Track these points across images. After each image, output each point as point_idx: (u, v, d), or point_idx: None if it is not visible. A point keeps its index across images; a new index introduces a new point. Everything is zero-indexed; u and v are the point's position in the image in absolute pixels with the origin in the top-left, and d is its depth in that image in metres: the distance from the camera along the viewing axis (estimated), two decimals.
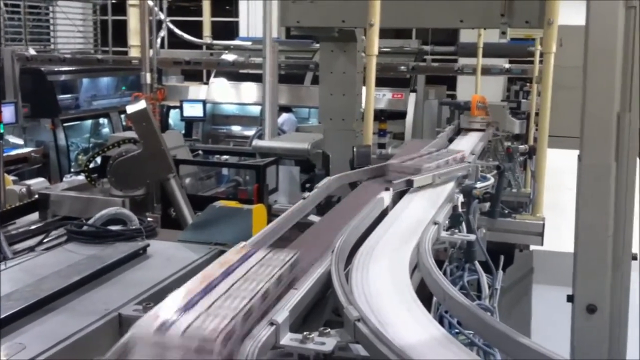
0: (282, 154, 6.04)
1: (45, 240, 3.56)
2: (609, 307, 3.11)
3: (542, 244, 4.89)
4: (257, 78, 10.34)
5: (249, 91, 12.25)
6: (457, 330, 2.52)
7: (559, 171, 6.08)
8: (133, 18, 13.62)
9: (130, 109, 4.54)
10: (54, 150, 10.91)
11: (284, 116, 10.85)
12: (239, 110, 12.79)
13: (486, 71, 10.38)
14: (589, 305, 3.11)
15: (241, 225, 3.04)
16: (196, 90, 13.03)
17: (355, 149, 4.69)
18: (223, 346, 1.47)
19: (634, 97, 3.05)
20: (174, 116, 12.68)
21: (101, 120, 12.21)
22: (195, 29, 14.81)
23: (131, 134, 4.84)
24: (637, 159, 3.12)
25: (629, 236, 3.12)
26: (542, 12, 5.23)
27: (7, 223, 4.39)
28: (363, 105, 5.84)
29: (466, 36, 13.08)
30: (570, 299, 3.22)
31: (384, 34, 5.99)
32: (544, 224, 4.83)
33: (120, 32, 15.84)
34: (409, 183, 3.32)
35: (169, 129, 11.88)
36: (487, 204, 4.17)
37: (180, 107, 11.95)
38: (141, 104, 4.53)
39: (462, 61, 12.16)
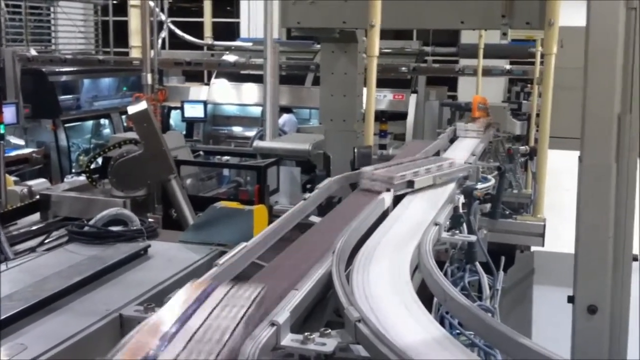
0: (283, 154, 6.04)
1: (46, 241, 3.56)
2: (609, 307, 3.11)
3: (543, 245, 4.89)
4: (258, 79, 10.36)
5: (250, 92, 12.25)
6: (457, 331, 2.52)
7: (560, 172, 6.08)
8: (134, 19, 13.62)
9: (132, 109, 4.54)
10: (55, 150, 10.91)
11: (285, 117, 10.86)
12: (239, 111, 12.80)
13: (487, 72, 10.39)
14: (589, 306, 3.11)
15: (242, 226, 3.04)
16: (197, 91, 13.04)
17: (356, 150, 4.70)
18: None
19: (634, 98, 3.05)
20: (175, 117, 12.68)
21: (102, 121, 12.21)
22: (196, 29, 14.82)
23: (132, 135, 4.84)
24: (638, 160, 3.13)
25: (630, 237, 3.12)
26: (543, 13, 5.23)
27: (8, 224, 4.39)
28: (364, 106, 5.84)
29: (467, 37, 13.08)
30: (571, 299, 3.22)
31: (385, 35, 5.99)
32: (544, 225, 4.83)
33: (121, 33, 15.84)
34: (410, 184, 3.33)
35: (170, 129, 11.88)
36: (488, 205, 4.18)
37: (181, 108, 11.95)
38: (142, 105, 4.53)
39: (463, 62, 12.16)
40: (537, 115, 6.38)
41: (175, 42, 14.97)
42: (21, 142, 10.77)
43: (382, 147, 9.19)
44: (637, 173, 3.13)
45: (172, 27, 14.28)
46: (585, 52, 3.14)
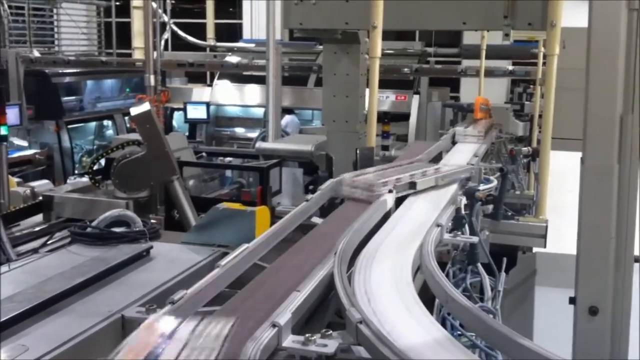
0: (286, 155, 6.04)
1: (49, 242, 3.58)
2: (611, 309, 3.11)
3: (545, 246, 4.88)
4: (261, 80, 10.36)
5: (253, 93, 12.26)
6: (459, 333, 2.52)
7: (562, 173, 6.08)
8: (137, 20, 13.66)
9: (134, 111, 4.55)
10: (58, 152, 10.92)
11: (287, 118, 10.87)
12: (242, 112, 12.81)
13: (489, 73, 10.38)
14: (591, 307, 3.11)
15: (244, 227, 3.04)
16: (200, 92, 13.06)
17: (358, 151, 4.70)
18: None
19: (636, 99, 3.05)
20: (177, 118, 12.70)
21: (105, 122, 12.23)
22: (198, 31, 14.84)
23: (135, 136, 4.85)
24: None
25: (631, 238, 3.12)
26: (545, 14, 5.23)
27: (11, 225, 4.40)
28: (366, 107, 5.84)
29: (469, 38, 13.07)
30: (572, 301, 3.22)
31: (387, 36, 5.99)
32: (547, 226, 4.82)
33: (124, 35, 15.88)
34: (412, 186, 3.33)
35: (173, 131, 11.91)
36: (490, 206, 4.18)
37: (184, 109, 11.97)
38: (145, 106, 4.54)
39: (466, 63, 12.14)
40: (540, 116, 6.37)
41: (178, 44, 14.99)
42: (24, 143, 10.79)
43: (385, 148, 9.20)
44: (639, 174, 3.13)
45: (175, 28, 14.29)
46: (587, 53, 3.15)
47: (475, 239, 2.89)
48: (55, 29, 16.34)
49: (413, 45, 12.96)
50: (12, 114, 9.23)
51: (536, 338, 5.34)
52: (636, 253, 3.18)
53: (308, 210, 3.02)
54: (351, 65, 7.38)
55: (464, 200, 3.35)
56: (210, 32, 14.64)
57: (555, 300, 4.52)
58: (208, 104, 12.04)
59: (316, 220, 3.09)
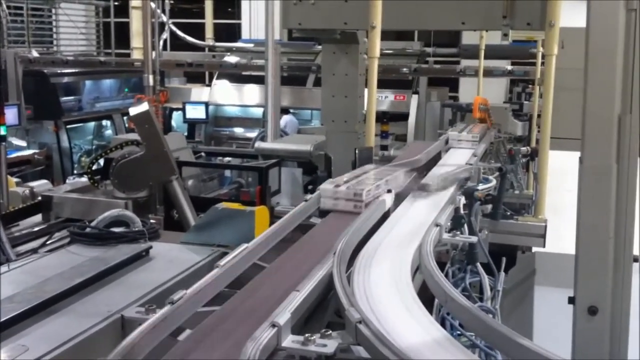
0: (285, 155, 6.04)
1: (48, 242, 3.58)
2: (610, 308, 3.11)
3: (544, 246, 4.88)
4: (260, 80, 10.37)
5: (252, 93, 12.26)
6: (458, 332, 2.52)
7: (562, 173, 6.08)
8: (135, 20, 13.65)
9: (133, 111, 4.55)
10: (57, 152, 10.92)
11: (286, 118, 10.86)
12: (241, 112, 12.81)
13: (488, 73, 10.38)
14: (590, 307, 3.12)
15: (243, 227, 3.04)
16: (199, 92, 13.05)
17: (357, 151, 4.70)
18: None
19: (634, 98, 3.06)
20: (176, 118, 12.69)
21: (104, 122, 12.23)
22: (197, 31, 14.82)
23: (134, 136, 4.85)
24: (638, 160, 3.13)
25: (630, 238, 3.12)
26: (544, 14, 5.23)
27: (10, 225, 4.40)
28: (365, 107, 5.84)
29: (468, 38, 13.07)
30: (571, 300, 3.23)
31: (386, 35, 5.98)
32: (546, 226, 4.82)
33: (122, 35, 15.87)
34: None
35: (172, 131, 11.90)
36: (489, 206, 4.18)
37: (183, 109, 11.97)
38: (144, 106, 4.54)
39: (464, 63, 12.15)
40: (539, 116, 6.37)
41: (177, 44, 14.98)
42: (23, 143, 10.79)
43: (384, 148, 9.20)
44: (637, 174, 3.14)
45: (174, 28, 14.28)
46: (586, 53, 3.15)
47: (474, 239, 2.90)
48: (54, 29, 16.33)
49: (412, 45, 12.95)
50: (11, 114, 9.23)
51: (535, 338, 5.34)
52: (635, 252, 3.18)
53: (307, 210, 3.02)
54: (350, 65, 7.38)
55: (463, 200, 3.35)
56: (209, 32, 14.62)
57: (554, 299, 4.52)
58: (207, 104, 12.04)
59: (315, 220, 3.10)
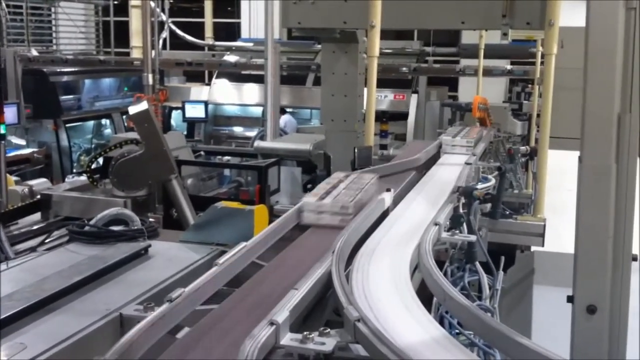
0: (284, 154, 6.04)
1: (47, 241, 3.57)
2: (609, 307, 3.11)
3: (543, 245, 4.89)
4: (259, 79, 10.37)
5: (251, 92, 12.26)
6: (457, 331, 2.52)
7: (561, 172, 6.08)
8: (135, 19, 13.63)
9: (132, 110, 4.54)
10: (56, 151, 10.91)
11: (284, 118, 10.86)
12: (240, 111, 12.80)
13: (488, 72, 10.39)
14: (589, 306, 3.12)
15: (243, 225, 3.04)
16: (198, 91, 13.05)
17: (356, 150, 4.70)
18: None
19: (634, 98, 3.06)
20: (176, 117, 12.69)
21: (103, 121, 12.21)
22: (197, 30, 14.82)
23: (133, 135, 4.84)
24: (638, 159, 3.13)
25: (629, 237, 3.12)
26: (543, 14, 5.24)
27: (9, 223, 4.39)
28: (364, 106, 5.84)
29: (468, 37, 13.07)
30: (570, 299, 3.23)
31: (386, 35, 5.99)
32: (545, 225, 4.83)
33: (122, 33, 15.86)
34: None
35: (171, 129, 11.89)
36: (488, 205, 4.18)
37: (182, 108, 11.96)
38: (143, 105, 4.54)
39: (464, 62, 12.16)
40: (538, 115, 6.38)
41: (176, 43, 14.97)
42: (22, 142, 10.78)
43: (383, 147, 9.19)
44: (636, 173, 3.14)
45: (173, 27, 14.28)
46: (585, 52, 3.15)
47: (473, 238, 2.89)
48: (53, 28, 16.32)
49: (411, 45, 12.96)
50: (10, 113, 9.22)
51: (534, 337, 5.34)
52: (634, 252, 3.18)
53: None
54: (349, 65, 7.39)
55: (462, 199, 3.35)
56: (208, 31, 14.62)
57: (553, 299, 4.52)
58: (206, 103, 12.03)
59: None
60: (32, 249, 3.50)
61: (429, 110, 11.68)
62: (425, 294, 2.12)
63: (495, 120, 6.86)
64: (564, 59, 5.76)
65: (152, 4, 9.34)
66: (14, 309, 2.10)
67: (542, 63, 6.94)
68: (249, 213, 3.12)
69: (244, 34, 15.83)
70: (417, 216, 2.92)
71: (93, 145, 11.94)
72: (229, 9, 16.77)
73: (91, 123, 12.15)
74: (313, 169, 6.10)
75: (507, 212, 4.89)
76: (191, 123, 12.14)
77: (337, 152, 6.40)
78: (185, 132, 11.42)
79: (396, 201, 3.20)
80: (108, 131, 12.07)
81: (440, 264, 2.56)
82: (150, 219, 3.62)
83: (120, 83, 12.80)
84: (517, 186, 6.09)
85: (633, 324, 3.19)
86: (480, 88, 9.32)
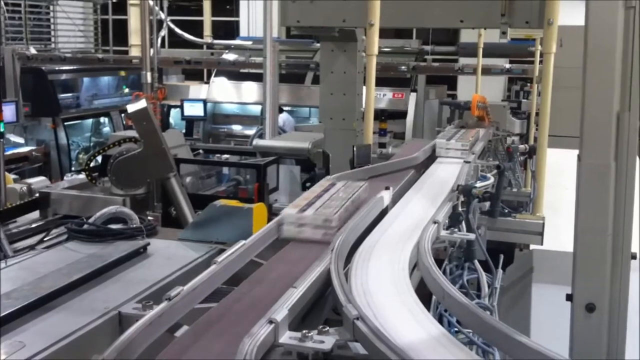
0: (283, 153, 6.03)
1: (45, 239, 3.57)
2: (608, 306, 3.11)
3: (542, 244, 4.89)
4: (258, 77, 10.34)
5: (250, 90, 12.25)
6: (456, 329, 2.52)
7: (559, 171, 6.09)
8: (133, 17, 13.61)
9: (131, 108, 4.54)
10: (55, 149, 10.91)
11: (282, 116, 10.85)
12: (239, 109, 12.80)
13: (487, 71, 10.38)
14: (588, 304, 3.12)
15: (241, 224, 3.04)
16: (197, 90, 13.03)
17: (355, 149, 4.69)
18: None
19: (633, 96, 3.06)
20: (174, 115, 12.68)
21: (102, 119, 12.21)
22: (195, 28, 14.80)
23: (132, 133, 4.84)
24: (637, 158, 3.13)
25: (628, 235, 3.12)
26: (542, 13, 5.23)
27: (7, 221, 4.39)
28: (363, 104, 5.84)
29: (467, 36, 13.09)
30: (569, 297, 3.23)
31: (384, 33, 5.99)
32: (543, 224, 4.83)
33: (120, 32, 15.85)
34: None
35: (170, 128, 11.88)
36: (487, 203, 4.18)
37: (181, 107, 11.96)
38: (142, 103, 4.53)
39: (463, 61, 12.16)
40: (537, 114, 6.38)
41: (175, 41, 14.97)
42: (21, 140, 10.77)
43: (382, 145, 9.19)
44: (635, 171, 3.14)
45: (172, 25, 14.26)
46: (584, 51, 3.15)
47: (472, 236, 2.89)
48: (52, 26, 16.31)
49: (410, 43, 12.96)
50: (9, 111, 9.23)
51: (533, 335, 5.34)
52: (633, 250, 3.18)
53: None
54: (348, 63, 7.39)
55: (461, 197, 3.35)
56: (207, 30, 14.60)
57: (552, 297, 4.52)
58: (205, 102, 12.03)
59: None
60: (31, 247, 3.51)
61: (427, 109, 11.68)
62: (424, 292, 2.12)
63: (494, 119, 6.85)
64: (563, 58, 5.76)
65: (151, 2, 9.34)
66: (13, 307, 2.10)
67: (541, 62, 6.93)
68: (248, 211, 3.12)
69: (243, 32, 15.84)
70: (416, 214, 2.91)
71: (92, 144, 11.94)
72: (228, 7, 16.78)
73: (90, 121, 12.14)
74: (312, 168, 6.10)
75: (506, 211, 4.89)
76: (190, 121, 12.14)
77: (336, 150, 6.39)
78: (184, 131, 11.42)
79: (395, 199, 3.20)
80: (107, 129, 12.06)
81: (439, 262, 2.56)
82: (149, 217, 3.63)
83: (118, 81, 12.79)
84: (516, 185, 6.10)
85: (632, 322, 3.19)
86: (479, 87, 9.32)
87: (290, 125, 10.78)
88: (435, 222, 2.70)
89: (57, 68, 11.70)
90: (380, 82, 6.83)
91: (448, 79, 13.38)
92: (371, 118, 5.17)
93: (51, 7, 15.87)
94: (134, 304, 2.16)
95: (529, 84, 11.12)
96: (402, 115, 11.31)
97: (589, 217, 3.18)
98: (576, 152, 3.23)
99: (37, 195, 4.72)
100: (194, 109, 11.91)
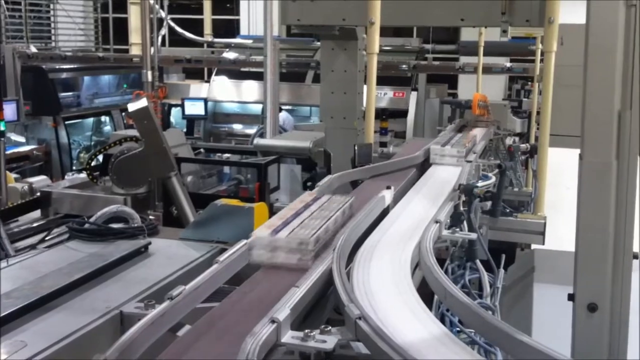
0: (284, 152, 6.03)
1: (47, 238, 3.57)
2: (609, 305, 3.11)
3: (543, 243, 4.89)
4: (259, 76, 10.36)
5: (250, 89, 12.25)
6: (458, 329, 2.52)
7: (561, 170, 6.08)
8: (134, 16, 13.63)
9: (132, 107, 4.54)
10: (56, 148, 10.91)
11: (282, 115, 10.85)
12: (240, 108, 12.79)
13: (487, 70, 10.38)
14: (589, 303, 3.11)
15: (242, 223, 3.04)
16: (197, 89, 13.03)
17: (356, 148, 4.69)
18: None
19: (634, 95, 3.05)
20: (175, 114, 12.68)
21: (103, 118, 12.21)
22: (196, 27, 14.81)
23: (133, 132, 4.84)
24: (638, 157, 3.12)
25: (630, 235, 3.12)
26: (543, 11, 5.22)
27: (9, 221, 4.39)
28: (364, 103, 5.84)
29: (467, 35, 13.07)
30: (571, 297, 3.22)
31: (385, 32, 5.99)
32: (545, 223, 4.83)
33: (121, 30, 15.86)
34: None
35: (171, 127, 11.88)
36: (489, 203, 4.18)
37: (182, 105, 11.96)
38: (142, 102, 4.53)
39: (464, 60, 12.15)
40: (538, 113, 6.38)
41: (175, 40, 14.96)
42: (22, 139, 10.77)
43: (383, 144, 9.19)
44: (637, 170, 3.13)
45: (172, 24, 14.26)
46: (585, 49, 3.14)
47: (473, 236, 2.89)
48: (52, 25, 16.31)
49: (411, 42, 12.95)
50: (10, 110, 9.22)
51: (535, 335, 5.34)
52: (635, 249, 3.18)
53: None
54: (349, 62, 7.38)
55: (462, 197, 3.35)
56: (207, 28, 14.60)
57: (553, 296, 4.53)
58: (206, 100, 12.03)
59: None
60: (32, 247, 3.51)
61: (428, 108, 11.67)
62: (426, 292, 2.11)
63: (494, 118, 6.84)
64: (563, 56, 5.75)
65: (151, 0, 9.33)
66: (14, 306, 2.10)
67: (541, 60, 6.93)
68: (249, 211, 3.12)
69: (243, 31, 15.83)
70: (417, 214, 2.91)
71: (92, 143, 11.94)
72: (228, 5, 16.78)
73: (90, 120, 12.14)
74: (313, 167, 6.10)
75: (508, 210, 4.89)
76: (191, 120, 12.14)
77: (336, 149, 6.39)
78: (184, 130, 11.43)
79: (396, 199, 3.20)
80: (107, 128, 12.06)
81: (441, 261, 2.56)
82: (150, 217, 3.63)
83: (119, 80, 12.79)
84: (517, 184, 6.09)
85: (634, 322, 3.18)
86: (479, 85, 9.31)
87: (289, 124, 10.78)
88: (436, 222, 2.70)
89: (57, 67, 11.70)
90: (381, 80, 6.82)
91: (449, 77, 13.38)
92: (372, 117, 5.16)
93: (51, 6, 15.88)
94: (135, 303, 2.16)
95: (529, 83, 11.11)
96: (403, 114, 11.31)
97: (590, 216, 3.18)
98: (577, 151, 3.22)
99: (38, 194, 4.73)
100: (194, 108, 11.91)
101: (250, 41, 13.09)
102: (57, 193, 4.60)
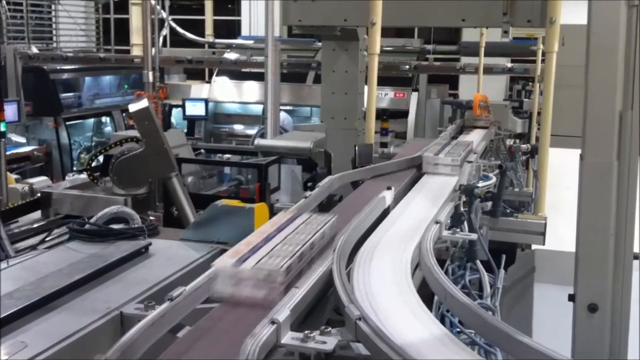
0: (284, 152, 6.03)
1: (47, 239, 3.57)
2: (610, 306, 3.10)
3: (544, 243, 4.88)
4: (259, 77, 10.36)
5: (251, 90, 12.25)
6: (458, 330, 2.52)
7: (561, 170, 6.08)
8: (135, 16, 13.65)
9: (133, 107, 4.54)
10: (57, 148, 10.91)
11: (282, 116, 10.85)
12: (241, 109, 12.79)
13: (488, 70, 10.38)
14: (590, 304, 3.11)
15: (243, 224, 3.04)
16: (198, 89, 13.04)
17: (357, 148, 4.69)
18: None
19: (636, 95, 3.04)
20: (176, 115, 12.68)
21: (103, 118, 12.21)
22: (197, 27, 14.81)
23: (133, 133, 4.84)
24: (639, 157, 3.12)
25: (631, 235, 3.11)
26: (544, 11, 5.22)
27: (9, 221, 4.39)
28: (365, 104, 5.84)
29: (468, 35, 13.07)
30: (571, 298, 3.22)
31: (386, 32, 5.98)
32: (545, 224, 4.82)
33: (122, 31, 15.87)
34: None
35: (172, 127, 11.89)
36: (489, 203, 4.18)
37: (183, 106, 11.96)
38: (143, 103, 4.53)
39: (464, 60, 12.15)
40: (539, 113, 6.37)
41: (177, 40, 14.96)
42: (22, 139, 10.78)
43: (383, 145, 9.17)
44: (638, 171, 3.13)
45: (173, 24, 14.26)
46: (587, 49, 3.14)
47: (474, 236, 2.89)
48: (54, 25, 16.32)
49: (412, 43, 12.94)
50: (10, 110, 9.21)
51: (535, 335, 5.33)
52: (636, 250, 3.17)
53: (307, 207, 3.01)
54: (350, 62, 7.38)
55: (463, 197, 3.35)
56: (208, 29, 14.60)
57: (554, 297, 4.52)
58: (206, 101, 12.03)
59: None
60: (33, 247, 3.50)
61: (429, 108, 11.67)
62: (426, 293, 2.11)
63: (495, 119, 6.84)
64: (565, 57, 5.75)
65: (153, 1, 9.33)
66: (15, 307, 2.10)
67: (543, 61, 6.93)
68: (249, 211, 3.12)
69: (244, 31, 15.84)
70: (417, 214, 2.91)
71: (93, 143, 11.94)
72: (229, 6, 16.78)
73: (91, 121, 12.14)
74: (314, 167, 6.10)
75: (508, 211, 4.89)
76: (191, 121, 12.14)
77: (337, 150, 6.40)
78: (185, 130, 11.43)
79: (397, 199, 3.20)
80: (108, 129, 12.06)
81: (441, 262, 2.56)
82: (151, 217, 3.63)
83: (120, 81, 12.79)
84: (518, 184, 6.09)
85: (634, 322, 3.18)
86: (480, 86, 9.31)
87: (289, 124, 10.78)
88: (437, 222, 2.70)
89: (58, 67, 11.70)
90: (382, 81, 6.82)
91: (450, 78, 13.37)
92: (373, 117, 5.16)
93: (53, 6, 15.89)
94: (135, 304, 2.16)
95: (530, 83, 11.09)
96: (404, 114, 11.30)
97: (591, 216, 3.17)
98: (578, 151, 3.22)
99: (39, 195, 4.72)
100: (195, 109, 11.91)
101: (251, 42, 13.09)
102: (58, 194, 4.60)
